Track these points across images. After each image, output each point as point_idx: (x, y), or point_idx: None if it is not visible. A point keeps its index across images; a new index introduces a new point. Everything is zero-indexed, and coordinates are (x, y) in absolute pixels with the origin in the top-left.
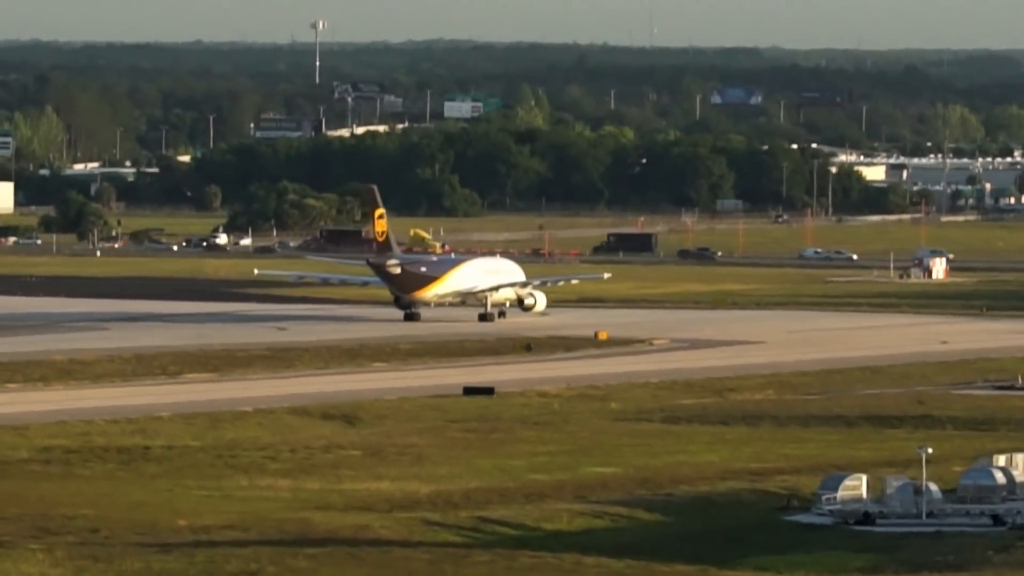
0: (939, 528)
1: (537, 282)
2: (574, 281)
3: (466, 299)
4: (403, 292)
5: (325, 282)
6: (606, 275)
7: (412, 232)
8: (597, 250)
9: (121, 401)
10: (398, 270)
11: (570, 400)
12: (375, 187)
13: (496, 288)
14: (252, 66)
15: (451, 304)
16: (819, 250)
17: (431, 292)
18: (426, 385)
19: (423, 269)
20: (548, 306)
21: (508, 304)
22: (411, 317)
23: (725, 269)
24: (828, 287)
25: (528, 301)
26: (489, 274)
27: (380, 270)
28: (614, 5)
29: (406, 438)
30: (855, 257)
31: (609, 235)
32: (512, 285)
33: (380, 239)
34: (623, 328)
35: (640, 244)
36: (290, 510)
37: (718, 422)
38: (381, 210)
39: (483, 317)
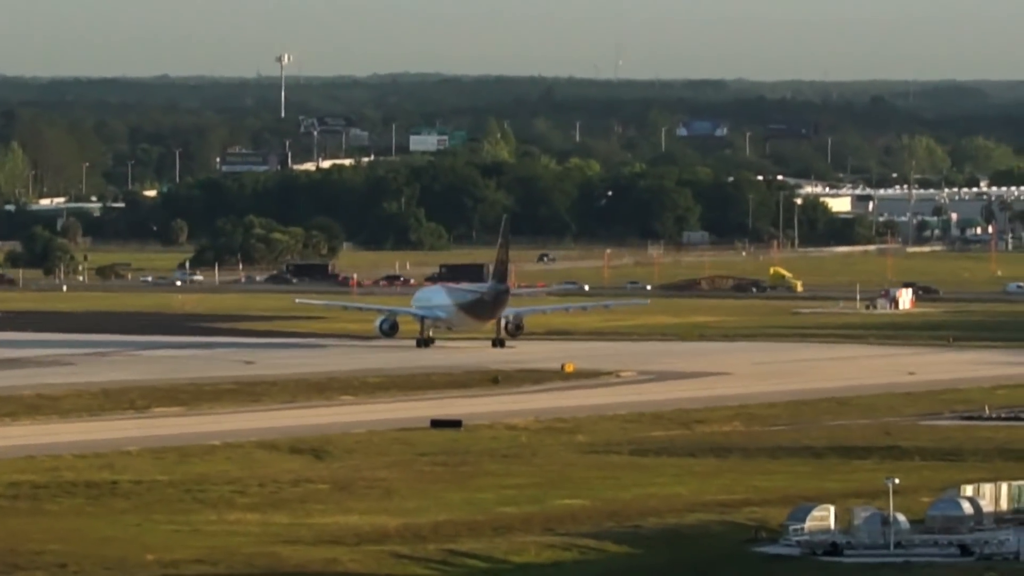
0: (907, 559)
1: (577, 307)
2: (611, 305)
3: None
4: (491, 317)
5: (359, 310)
6: (647, 301)
7: (772, 270)
8: (428, 280)
9: (89, 436)
10: (507, 296)
11: (538, 433)
12: (506, 216)
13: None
14: (218, 101)
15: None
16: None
17: (499, 315)
18: (394, 418)
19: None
20: (517, 340)
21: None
22: (425, 343)
23: (694, 301)
24: (795, 319)
25: (523, 325)
26: None
27: (497, 294)
28: (580, 38)
29: (375, 471)
30: None
31: (441, 266)
32: (537, 311)
33: (500, 267)
34: (590, 360)
35: (471, 275)
36: (259, 544)
37: (686, 454)
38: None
39: (496, 343)
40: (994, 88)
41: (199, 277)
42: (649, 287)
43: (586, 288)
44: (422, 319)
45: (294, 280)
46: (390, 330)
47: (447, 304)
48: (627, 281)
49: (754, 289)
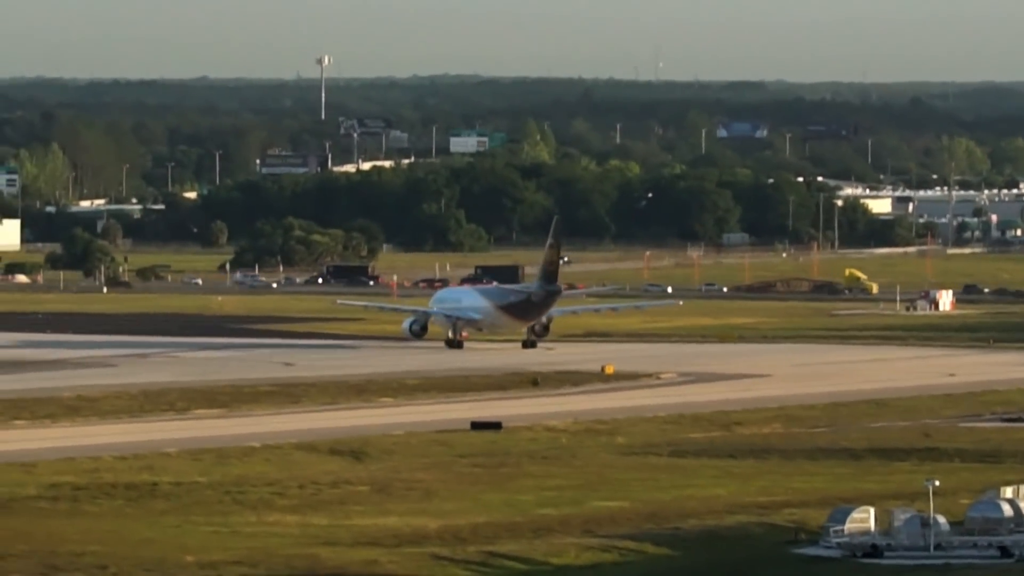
0: (947, 560)
1: (607, 308)
2: (643, 306)
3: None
4: (535, 318)
5: (396, 311)
6: (680, 302)
7: (847, 272)
8: (463, 281)
9: (129, 437)
10: (556, 297)
11: (577, 434)
12: (557, 217)
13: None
14: (257, 102)
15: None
16: None
17: (543, 316)
18: (433, 420)
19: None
20: (555, 340)
21: None
22: (458, 345)
23: (732, 303)
24: (834, 320)
25: (549, 326)
26: None
27: (547, 295)
28: (619, 40)
29: (414, 473)
30: None
31: (476, 267)
32: (568, 312)
33: (550, 268)
34: (630, 362)
35: (507, 276)
36: (298, 546)
37: (725, 456)
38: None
39: (527, 344)
40: None
41: (262, 279)
42: (725, 289)
43: (669, 290)
44: (454, 320)
45: (371, 283)
46: (420, 331)
47: (483, 305)
48: (703, 283)
49: (847, 292)
